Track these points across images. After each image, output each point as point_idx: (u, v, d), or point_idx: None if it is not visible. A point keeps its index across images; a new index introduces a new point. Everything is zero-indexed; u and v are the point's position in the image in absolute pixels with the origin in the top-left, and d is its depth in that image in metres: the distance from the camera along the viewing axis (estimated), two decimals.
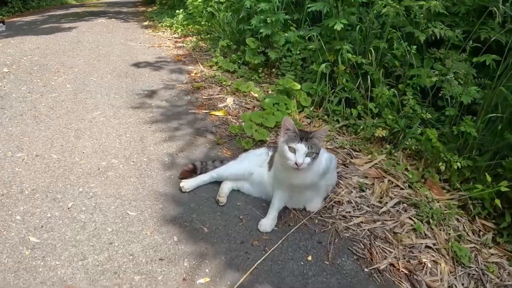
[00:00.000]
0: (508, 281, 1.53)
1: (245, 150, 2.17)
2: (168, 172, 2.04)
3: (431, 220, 1.76)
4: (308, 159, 1.51)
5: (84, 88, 3.20)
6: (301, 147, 1.49)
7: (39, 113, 2.64)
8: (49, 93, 3.02)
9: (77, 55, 4.35)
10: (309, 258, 1.55)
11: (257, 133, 2.30)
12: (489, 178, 1.73)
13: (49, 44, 4.97)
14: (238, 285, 1.41)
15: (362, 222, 1.75)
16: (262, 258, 1.53)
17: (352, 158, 2.20)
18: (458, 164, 1.90)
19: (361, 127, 2.39)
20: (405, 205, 1.85)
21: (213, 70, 3.74)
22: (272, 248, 1.58)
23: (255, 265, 1.49)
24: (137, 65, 4.04)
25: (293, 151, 1.50)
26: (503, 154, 1.88)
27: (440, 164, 1.95)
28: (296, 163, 1.49)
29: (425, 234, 1.70)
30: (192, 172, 1.95)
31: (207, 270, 1.47)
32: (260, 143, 2.33)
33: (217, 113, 2.77)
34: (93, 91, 3.12)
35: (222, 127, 2.59)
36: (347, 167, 2.13)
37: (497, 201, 1.66)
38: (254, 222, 1.71)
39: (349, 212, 1.81)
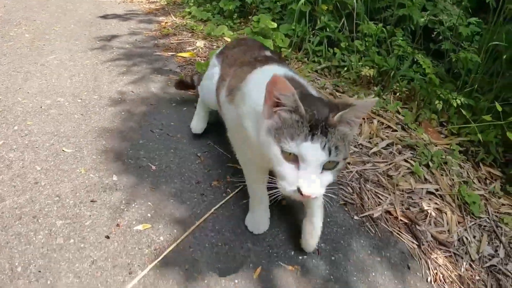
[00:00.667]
0: None
1: None
2: (119, 107, 1.71)
3: (430, 163, 1.45)
4: (328, 178, 0.76)
5: (43, 36, 2.90)
6: (314, 151, 0.72)
7: None
8: (5, 42, 2.70)
9: (43, 11, 4.00)
10: (284, 203, 1.20)
11: None
12: (488, 118, 1.44)
13: (15, 3, 4.46)
14: (189, 233, 1.03)
15: (349, 163, 1.41)
16: (223, 201, 1.15)
17: (337, 91, 1.86)
18: (458, 101, 1.59)
19: (345, 69, 2.05)
20: (399, 146, 1.53)
21: (185, 20, 3.39)
22: (237, 190, 1.21)
23: (212, 210, 1.12)
24: (104, 17, 3.73)
25: (294, 159, 0.74)
26: (506, 96, 1.60)
27: (437, 102, 1.64)
28: (300, 192, 0.72)
29: (425, 179, 1.40)
30: (187, 85, 1.72)
31: (149, 215, 1.11)
32: None
33: (184, 54, 2.42)
34: (52, 39, 2.82)
35: (188, 68, 2.24)
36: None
37: (510, 135, 1.36)
38: (216, 160, 1.34)
39: None
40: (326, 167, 0.74)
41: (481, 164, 1.56)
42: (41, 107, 1.68)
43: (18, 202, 1.16)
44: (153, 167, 1.30)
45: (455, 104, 1.61)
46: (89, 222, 1.09)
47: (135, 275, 0.94)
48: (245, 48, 1.28)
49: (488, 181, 1.50)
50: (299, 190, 0.71)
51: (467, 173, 1.50)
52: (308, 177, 0.72)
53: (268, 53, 1.26)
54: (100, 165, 1.31)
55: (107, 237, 1.04)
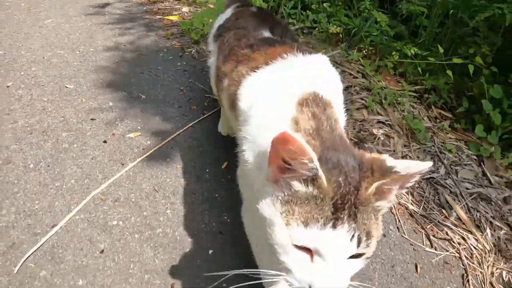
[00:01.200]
0: (467, 162, 1.47)
1: (195, 42, 2.00)
2: (113, 53, 1.95)
3: (383, 101, 1.68)
4: (354, 268, 0.56)
5: (38, 5, 3.11)
6: (337, 245, 0.52)
7: None
8: (3, 10, 2.86)
9: None
10: None
11: (207, 26, 2.12)
12: (441, 50, 1.65)
13: None
14: (171, 138, 1.26)
15: None
16: (200, 118, 1.39)
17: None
18: (412, 51, 1.82)
19: (317, 29, 2.27)
20: (357, 88, 1.76)
21: None
22: (211, 112, 1.44)
23: (191, 123, 1.36)
24: None
25: (306, 249, 0.53)
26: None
27: (394, 53, 1.87)
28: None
29: (378, 112, 1.63)
30: None
31: (139, 127, 1.35)
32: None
33: (171, 17, 2.64)
34: (47, 7, 3.04)
35: (174, 28, 2.45)
36: None
37: (449, 72, 1.59)
38: (196, 93, 1.57)
39: None
40: (354, 257, 0.53)
41: (433, 107, 1.79)
42: (43, 57, 1.89)
43: (29, 123, 1.38)
44: (143, 97, 1.53)
45: (409, 54, 1.83)
46: (89, 133, 1.32)
47: (126, 166, 1.18)
48: (242, 31, 1.03)
49: (438, 120, 1.73)
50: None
51: (419, 112, 1.73)
52: (329, 275, 0.52)
53: (266, 34, 1.00)
54: (98, 96, 1.54)
55: (105, 141, 1.27)
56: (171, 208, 1.07)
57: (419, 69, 1.83)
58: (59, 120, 1.39)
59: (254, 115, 0.66)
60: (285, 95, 0.59)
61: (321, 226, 0.50)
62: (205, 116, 1.42)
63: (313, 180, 0.51)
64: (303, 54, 0.78)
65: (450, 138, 1.62)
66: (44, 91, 1.58)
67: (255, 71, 0.74)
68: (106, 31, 2.30)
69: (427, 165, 0.52)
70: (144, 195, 1.09)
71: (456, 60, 1.59)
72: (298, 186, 0.52)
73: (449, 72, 1.60)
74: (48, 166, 1.18)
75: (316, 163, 0.50)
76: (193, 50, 2.01)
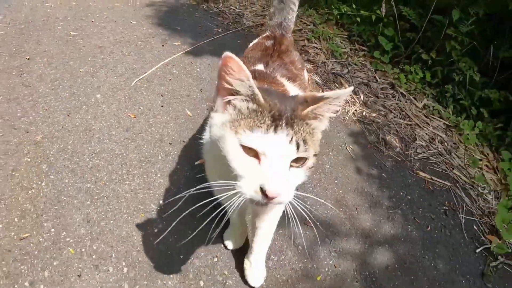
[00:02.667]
0: (366, 70, 2.55)
1: (205, 0, 3.09)
2: (152, 6, 2.99)
3: (320, 38, 2.78)
4: (297, 177, 0.71)
5: None
6: (280, 144, 0.67)
7: None
8: None
9: None
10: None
11: None
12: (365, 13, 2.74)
13: None
14: (194, 46, 2.40)
15: None
16: (210, 39, 2.52)
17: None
18: (345, 9, 2.90)
19: None
20: (306, 30, 2.85)
21: None
22: (216, 36, 2.57)
23: (207, 40, 2.48)
24: None
25: (255, 155, 0.67)
26: None
27: (335, 10, 2.95)
28: (264, 192, 0.65)
29: (314, 42, 2.73)
30: None
31: (179, 41, 2.46)
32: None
33: None
34: None
35: None
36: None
37: (363, 11, 2.68)
38: (208, 28, 2.68)
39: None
40: (294, 165, 0.65)
41: (356, 43, 2.88)
42: (107, 6, 2.87)
43: (116, 38, 2.48)
44: (178, 28, 2.64)
45: (343, 11, 2.90)
46: (153, 42, 2.42)
47: (176, 54, 2.31)
48: (246, 60, 1.23)
49: (356, 51, 2.80)
50: (262, 190, 0.62)
51: (343, 44, 2.83)
52: (275, 173, 0.62)
53: (259, 67, 1.15)
54: (153, 27, 2.62)
55: (162, 45, 2.39)
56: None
57: (353, 19, 2.92)
58: (135, 37, 2.47)
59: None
60: None
61: (264, 131, 0.63)
62: (214, 38, 2.54)
63: (252, 98, 0.66)
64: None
65: (360, 59, 2.71)
66: (117, 24, 2.61)
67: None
68: None
69: (350, 89, 0.70)
70: (183, 70, 2.23)
71: (363, 13, 2.68)
72: (241, 104, 0.67)
73: (363, 12, 2.69)
74: (135, 54, 2.31)
75: (252, 82, 0.64)
76: (205, 6, 3.11)
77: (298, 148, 0.66)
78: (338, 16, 2.98)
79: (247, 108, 0.67)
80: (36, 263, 1.20)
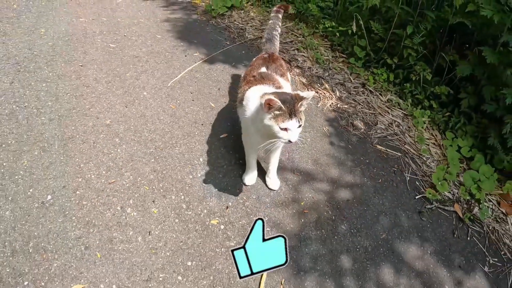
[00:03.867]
0: (343, 74, 3.24)
1: (214, 17, 3.81)
2: (168, 22, 3.68)
3: (308, 48, 3.48)
4: (298, 132, 1.47)
5: None
6: (294, 125, 1.44)
7: None
8: None
9: None
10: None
11: (220, 8, 3.91)
12: (333, 23, 3.44)
13: None
14: (210, 56, 3.10)
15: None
16: (221, 50, 3.22)
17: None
18: (328, 24, 3.60)
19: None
20: (295, 42, 3.55)
21: None
22: (226, 48, 3.28)
23: (219, 51, 3.19)
24: None
25: (284, 129, 1.44)
26: None
27: (321, 25, 3.65)
28: (290, 141, 1.45)
29: (302, 50, 3.42)
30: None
31: (197, 52, 3.16)
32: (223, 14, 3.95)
33: (196, 1, 4.29)
34: None
35: (200, 8, 4.12)
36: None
37: (339, 34, 3.38)
38: (218, 41, 3.40)
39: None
40: (298, 127, 1.43)
41: (337, 52, 3.57)
42: (134, 21, 3.52)
43: (137, 53, 3.19)
44: (195, 41, 3.34)
45: (327, 25, 3.61)
46: (177, 53, 3.13)
47: (196, 63, 3.01)
48: (252, 67, 2.02)
49: (336, 58, 3.49)
50: (289, 141, 1.44)
51: (326, 53, 3.52)
52: (293, 137, 1.43)
53: (263, 69, 1.94)
54: (174, 41, 3.28)
55: (185, 55, 3.09)
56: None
57: (334, 32, 3.62)
58: (163, 49, 3.15)
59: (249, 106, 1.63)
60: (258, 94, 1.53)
61: (288, 120, 1.41)
62: (223, 49, 3.25)
63: (280, 108, 1.41)
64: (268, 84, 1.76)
65: (339, 64, 3.39)
66: (146, 38, 3.28)
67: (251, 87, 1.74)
68: (161, 10, 3.95)
69: (313, 93, 1.49)
70: (204, 75, 2.92)
71: (341, 28, 3.38)
72: (277, 112, 1.42)
73: (339, 35, 3.40)
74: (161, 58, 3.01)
75: (280, 104, 1.39)
76: (213, 21, 3.82)
77: (299, 122, 1.44)
78: (323, 30, 3.68)
79: (279, 112, 1.43)
80: (123, 196, 1.88)
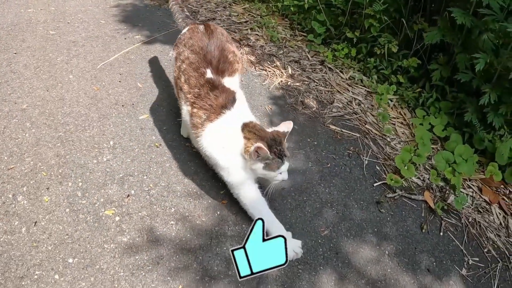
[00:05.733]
0: (300, 51, 2.83)
1: (166, 0, 3.42)
2: (118, 7, 3.31)
3: (263, 27, 3.07)
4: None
5: None
6: (286, 166, 1.40)
7: None
8: None
9: None
10: None
11: None
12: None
13: None
14: (153, 38, 2.69)
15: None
16: (167, 31, 2.81)
17: (231, 5, 3.50)
18: (287, 2, 3.21)
19: None
20: (252, 21, 3.15)
21: None
22: (176, 29, 2.86)
23: (163, 33, 2.77)
24: None
25: (279, 172, 1.40)
26: None
27: (277, 2, 3.26)
28: (283, 180, 1.45)
29: (257, 30, 3.02)
30: None
31: (139, 35, 2.75)
32: None
33: None
34: None
35: None
36: (224, 7, 3.42)
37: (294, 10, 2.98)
38: (166, 24, 3.00)
39: None
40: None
41: (296, 30, 3.17)
42: (82, 9, 3.24)
43: (89, 29, 2.80)
44: (140, 24, 2.95)
45: (286, 3, 3.21)
46: (118, 35, 2.74)
47: (135, 44, 2.60)
48: (195, 57, 1.58)
49: (295, 37, 3.09)
50: (283, 180, 1.41)
51: (284, 32, 3.12)
52: (286, 175, 1.40)
53: (210, 75, 1.52)
54: (118, 25, 2.92)
55: (125, 38, 2.69)
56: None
57: (292, 9, 3.22)
58: (103, 33, 2.79)
59: (220, 158, 1.46)
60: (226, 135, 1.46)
61: (282, 165, 1.35)
62: (168, 31, 2.85)
63: (275, 160, 1.35)
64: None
65: (297, 43, 2.98)
66: (89, 24, 2.93)
67: (208, 125, 1.46)
68: None
69: (291, 124, 1.43)
70: (139, 56, 2.51)
71: (296, 2, 2.98)
72: (270, 162, 1.35)
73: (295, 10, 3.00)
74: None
75: (271, 155, 1.33)
76: (165, 6, 3.43)
77: (289, 161, 1.39)
78: (281, 8, 3.29)
79: (272, 162, 1.35)
80: (18, 182, 1.63)
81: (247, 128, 1.39)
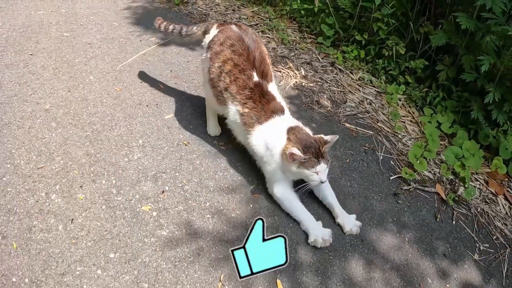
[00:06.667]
0: (310, 53, 2.95)
1: (177, 4, 3.52)
2: (129, 10, 3.41)
3: (274, 29, 3.19)
4: (327, 172, 1.52)
5: None
6: (323, 167, 1.47)
7: None
8: None
9: None
10: None
11: None
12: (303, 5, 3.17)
13: None
14: (169, 40, 2.79)
15: None
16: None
17: (240, 8, 3.60)
18: (295, 6, 3.33)
19: None
20: (262, 24, 3.27)
21: None
22: None
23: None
24: None
25: (315, 172, 1.47)
26: None
27: (286, 6, 3.38)
28: (321, 181, 1.50)
29: (268, 33, 3.14)
30: None
31: (154, 37, 2.84)
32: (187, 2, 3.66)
33: None
34: None
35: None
36: (234, 10, 3.53)
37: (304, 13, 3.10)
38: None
39: None
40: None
41: (305, 33, 3.29)
42: (96, 11, 3.30)
43: (103, 31, 2.88)
44: (153, 27, 3.05)
45: (295, 6, 3.33)
46: (133, 36, 2.83)
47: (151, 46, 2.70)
48: (239, 58, 1.65)
49: (305, 39, 3.21)
50: (321, 181, 1.47)
51: (293, 34, 3.24)
52: (324, 177, 1.46)
53: (256, 78, 1.64)
54: (132, 27, 3.01)
55: (140, 41, 2.78)
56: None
57: (301, 12, 3.34)
58: (118, 35, 2.87)
59: (269, 155, 1.60)
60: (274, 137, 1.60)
61: (317, 165, 1.44)
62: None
63: (310, 159, 1.44)
64: None
65: (307, 45, 3.11)
66: (102, 26, 3.00)
67: (259, 126, 1.63)
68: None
69: (336, 136, 1.53)
70: (157, 58, 2.61)
71: (306, 6, 3.10)
72: (305, 161, 1.44)
73: (304, 14, 3.12)
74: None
75: (305, 157, 1.43)
76: (176, 9, 3.54)
77: (327, 165, 1.48)
78: (290, 11, 3.41)
79: (307, 161, 1.44)
80: (50, 181, 1.67)
81: (292, 131, 1.53)
